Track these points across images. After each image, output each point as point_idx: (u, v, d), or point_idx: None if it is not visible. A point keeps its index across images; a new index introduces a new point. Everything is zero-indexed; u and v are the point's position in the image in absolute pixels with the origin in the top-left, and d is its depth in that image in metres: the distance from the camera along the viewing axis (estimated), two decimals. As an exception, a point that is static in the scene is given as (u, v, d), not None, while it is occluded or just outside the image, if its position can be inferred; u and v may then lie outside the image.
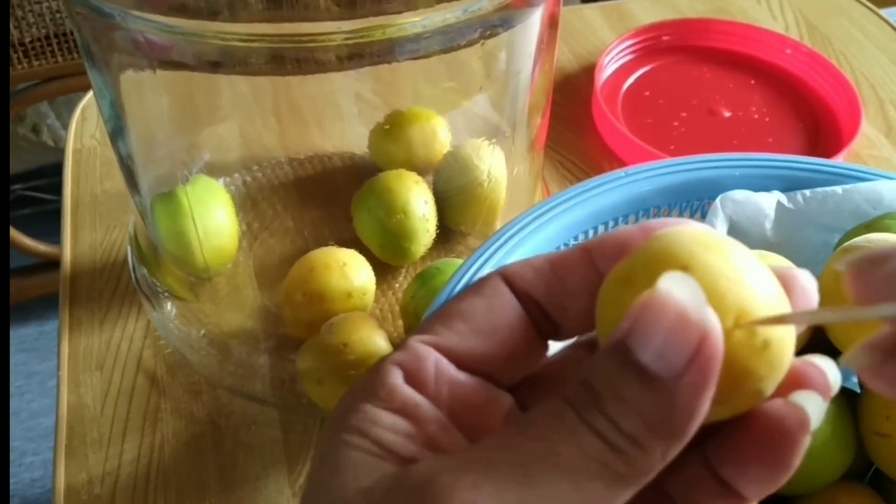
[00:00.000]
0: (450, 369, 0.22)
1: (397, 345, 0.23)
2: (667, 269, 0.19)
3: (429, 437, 0.21)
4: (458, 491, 0.18)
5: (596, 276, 0.23)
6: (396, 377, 0.22)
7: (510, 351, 0.23)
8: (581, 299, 0.23)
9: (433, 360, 0.22)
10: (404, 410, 0.21)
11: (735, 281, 0.20)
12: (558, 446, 0.18)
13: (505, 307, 0.23)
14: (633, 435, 0.18)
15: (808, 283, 0.22)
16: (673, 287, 0.18)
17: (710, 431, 0.22)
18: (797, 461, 0.20)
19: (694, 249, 0.20)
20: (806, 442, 0.20)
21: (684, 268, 0.20)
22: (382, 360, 0.22)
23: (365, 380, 0.22)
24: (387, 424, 0.21)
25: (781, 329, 0.20)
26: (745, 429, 0.21)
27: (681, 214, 0.42)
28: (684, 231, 0.21)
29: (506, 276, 0.24)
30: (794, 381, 0.21)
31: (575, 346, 0.25)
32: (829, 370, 0.21)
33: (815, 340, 0.34)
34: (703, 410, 0.19)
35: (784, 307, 0.20)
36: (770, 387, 0.20)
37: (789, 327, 0.20)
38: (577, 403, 0.19)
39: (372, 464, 0.20)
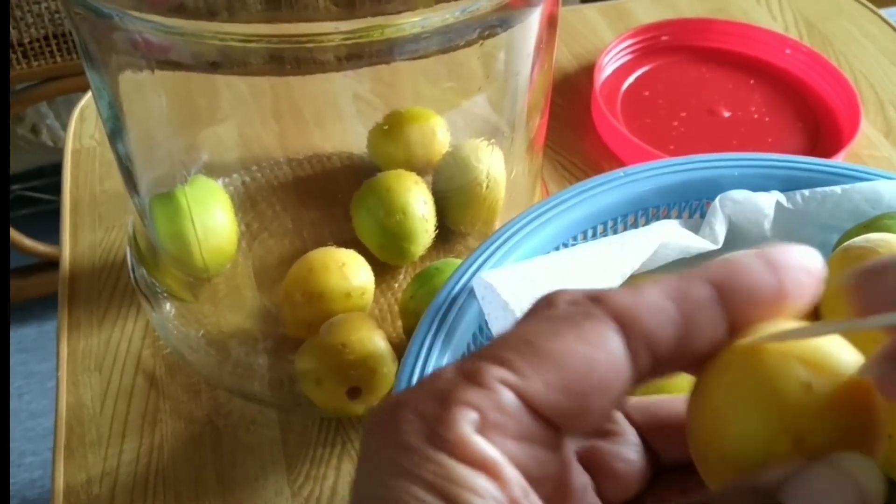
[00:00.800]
0: (529, 421, 0.19)
1: (465, 368, 0.19)
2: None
3: (513, 502, 0.18)
4: None
5: (725, 325, 0.19)
6: (468, 422, 0.18)
7: (598, 411, 0.19)
8: (708, 350, 0.19)
9: (517, 413, 0.18)
10: (483, 467, 0.18)
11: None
12: None
13: (608, 364, 0.19)
14: None
15: (810, 263, 0.20)
16: (861, 471, 0.17)
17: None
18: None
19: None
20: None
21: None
22: (452, 396, 0.18)
23: (425, 412, 0.18)
24: (469, 485, 0.17)
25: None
26: None
27: (680, 214, 0.42)
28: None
29: (620, 318, 0.19)
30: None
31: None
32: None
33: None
34: None
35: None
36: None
37: None
38: None
39: None
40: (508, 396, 0.18)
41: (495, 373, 0.18)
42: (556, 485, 0.20)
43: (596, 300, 0.19)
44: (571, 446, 0.21)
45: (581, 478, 0.22)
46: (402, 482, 0.17)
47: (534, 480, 0.19)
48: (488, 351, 0.19)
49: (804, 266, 0.20)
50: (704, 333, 0.19)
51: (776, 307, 0.19)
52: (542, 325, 0.19)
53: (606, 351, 0.19)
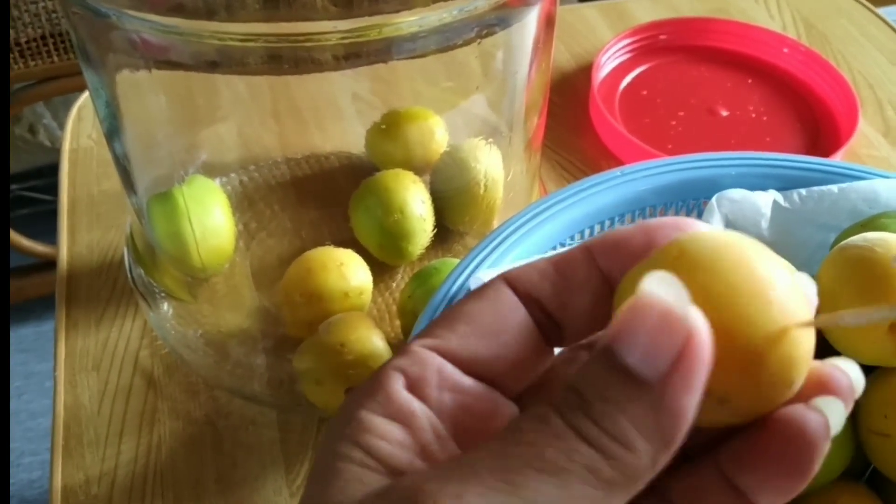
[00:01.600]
0: (454, 375, 0.22)
1: (399, 349, 0.23)
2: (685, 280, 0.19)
3: (423, 447, 0.21)
4: (442, 499, 0.18)
5: (598, 275, 0.23)
6: (396, 383, 0.21)
7: (515, 355, 0.23)
8: (584, 299, 0.23)
9: (436, 366, 0.22)
10: (399, 417, 0.21)
11: (749, 294, 0.19)
12: (544, 451, 0.18)
13: (509, 311, 0.23)
14: (620, 438, 0.18)
15: (853, 374, 0.21)
16: (656, 288, 0.18)
17: (723, 438, 0.21)
18: (816, 468, 0.20)
19: (711, 258, 0.20)
20: (826, 449, 0.20)
21: (707, 284, 0.19)
22: (384, 366, 0.22)
23: (365, 386, 0.22)
24: (380, 432, 0.20)
25: (796, 331, 0.20)
26: (762, 435, 0.20)
27: (677, 213, 0.42)
28: (698, 241, 0.21)
29: (509, 279, 0.23)
30: (817, 385, 0.21)
31: (575, 349, 0.25)
32: (852, 373, 0.21)
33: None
34: (691, 413, 0.18)
35: (801, 309, 0.20)
36: (785, 391, 0.20)
37: (807, 331, 0.20)
38: (564, 408, 0.19)
39: (362, 476, 0.20)
40: (427, 354, 0.22)
41: (418, 342, 0.22)
42: (494, 427, 0.22)
43: (497, 275, 0.24)
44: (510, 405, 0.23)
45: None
46: (333, 442, 0.20)
47: (467, 430, 0.21)
48: (420, 331, 0.23)
49: (676, 225, 0.22)
50: (579, 285, 0.23)
51: (641, 252, 0.22)
52: (459, 301, 0.23)
53: (503, 301, 0.23)
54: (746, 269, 0.20)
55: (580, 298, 0.23)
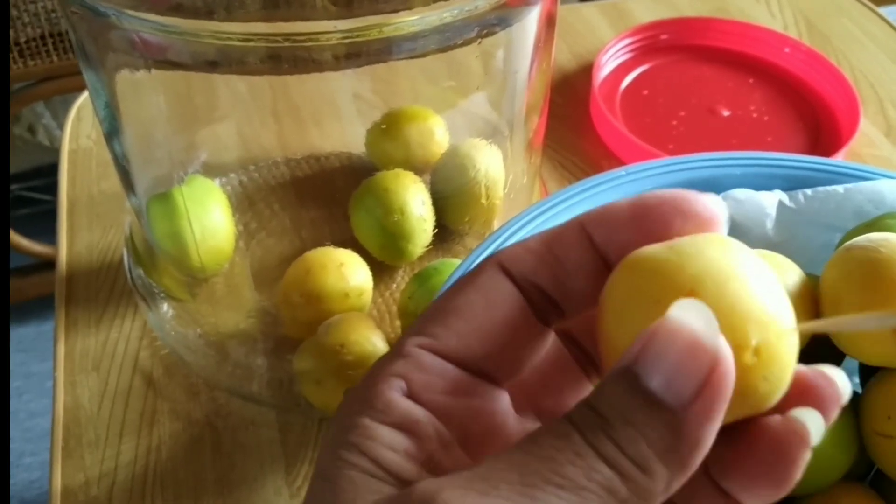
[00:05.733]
0: (454, 375, 0.22)
1: (393, 347, 0.22)
2: (677, 293, 0.19)
3: (429, 456, 0.20)
4: None
5: (592, 252, 0.23)
6: (395, 390, 0.21)
7: (512, 346, 0.22)
8: (580, 277, 0.23)
9: (436, 370, 0.21)
10: (403, 426, 0.21)
11: (748, 305, 0.19)
12: (564, 468, 0.18)
13: (503, 300, 0.22)
14: (639, 460, 0.18)
15: (703, 210, 0.22)
16: (686, 315, 0.18)
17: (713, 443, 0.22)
18: (797, 476, 0.20)
19: (705, 270, 0.20)
20: (806, 457, 0.20)
21: (692, 291, 0.20)
22: (380, 371, 0.21)
23: (362, 390, 0.21)
24: (385, 442, 0.20)
25: (776, 340, 0.20)
26: (745, 441, 0.21)
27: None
28: (698, 247, 0.21)
29: (502, 262, 0.23)
30: (802, 391, 0.21)
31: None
32: (839, 380, 0.21)
33: (817, 343, 0.34)
34: (710, 441, 0.19)
35: (786, 312, 0.20)
36: (768, 398, 0.20)
37: (787, 340, 0.20)
38: (584, 427, 0.19)
39: (370, 485, 0.19)
40: (427, 357, 0.21)
41: (413, 341, 0.22)
42: (488, 418, 0.22)
43: (488, 257, 0.23)
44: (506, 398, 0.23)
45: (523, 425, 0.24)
46: (336, 450, 0.20)
47: (472, 433, 0.21)
48: (410, 327, 0.22)
49: (675, 205, 0.22)
50: (574, 264, 0.22)
51: (640, 239, 0.22)
52: (449, 290, 0.23)
53: (496, 289, 0.22)
54: (729, 274, 0.20)
55: (576, 277, 0.23)
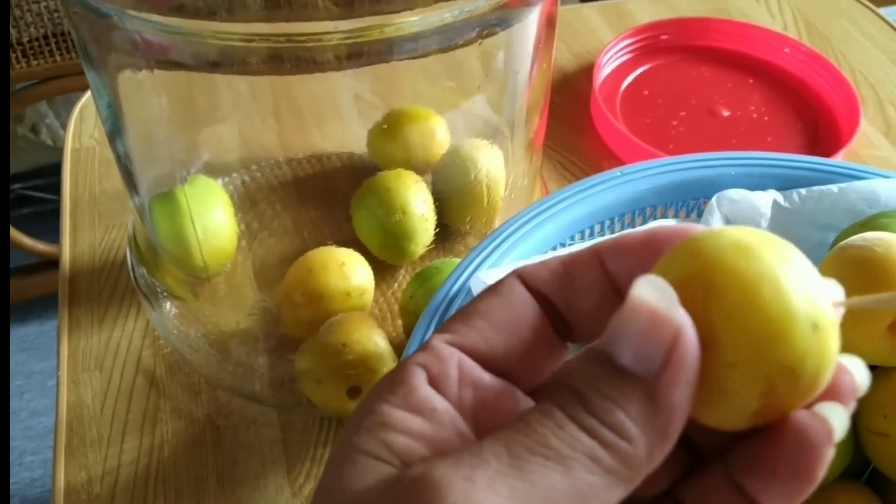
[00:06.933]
0: (474, 370, 0.22)
1: (421, 346, 0.23)
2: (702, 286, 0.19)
3: (443, 442, 0.21)
4: (452, 483, 0.18)
5: (604, 278, 0.23)
6: (418, 378, 0.21)
7: (531, 349, 0.23)
8: (591, 300, 0.23)
9: (456, 361, 0.22)
10: (421, 411, 0.21)
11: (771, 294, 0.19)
12: (548, 440, 0.19)
13: (523, 306, 0.23)
14: (617, 429, 0.19)
15: (856, 372, 0.22)
16: (644, 291, 0.19)
17: (735, 441, 0.22)
18: (821, 474, 0.20)
19: (724, 264, 0.20)
20: (830, 454, 0.20)
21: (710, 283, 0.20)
22: (405, 361, 0.22)
23: (386, 380, 0.22)
24: (399, 426, 0.21)
25: (828, 327, 0.20)
26: (769, 439, 0.21)
27: (677, 214, 0.42)
28: (715, 239, 0.21)
29: (522, 276, 0.24)
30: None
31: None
32: (857, 372, 0.21)
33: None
34: (685, 407, 0.19)
35: (828, 304, 0.20)
36: (818, 386, 0.20)
37: (835, 326, 0.20)
38: (564, 403, 0.20)
39: (375, 467, 0.20)
40: (447, 350, 0.22)
41: (438, 337, 0.23)
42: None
43: (510, 271, 0.24)
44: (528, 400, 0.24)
45: None
46: (350, 436, 0.21)
47: (488, 426, 0.21)
48: (439, 328, 0.23)
49: (686, 235, 0.22)
50: (585, 286, 0.23)
51: (647, 260, 0.23)
52: (474, 298, 0.24)
53: (515, 297, 0.23)
54: (773, 269, 0.20)
55: (586, 299, 0.23)
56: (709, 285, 0.20)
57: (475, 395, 0.22)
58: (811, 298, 0.20)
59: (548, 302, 0.24)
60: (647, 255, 0.23)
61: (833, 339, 0.20)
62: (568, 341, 0.24)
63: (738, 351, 0.19)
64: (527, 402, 0.23)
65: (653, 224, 0.41)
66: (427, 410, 0.21)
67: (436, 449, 0.21)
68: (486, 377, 0.22)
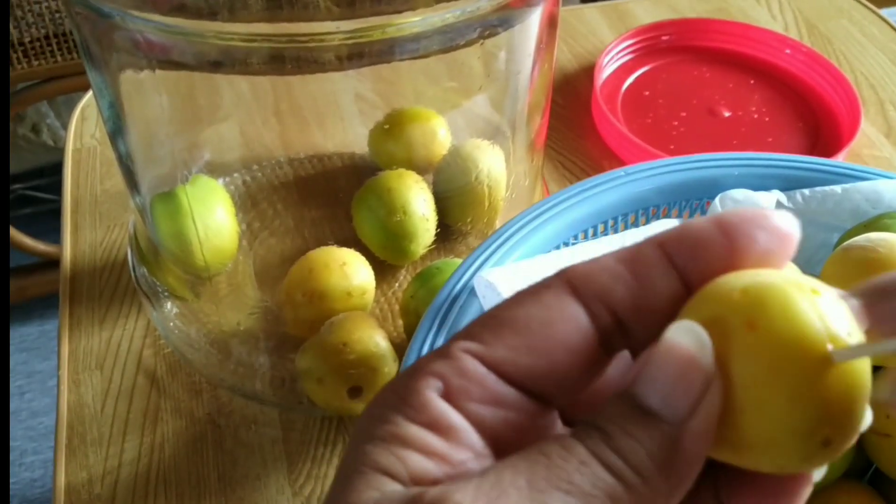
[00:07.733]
0: (497, 387, 0.20)
1: (439, 349, 0.21)
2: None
3: (458, 463, 0.20)
4: None
5: (675, 277, 0.21)
6: (432, 388, 0.20)
7: (567, 370, 0.21)
8: (661, 302, 0.21)
9: (479, 378, 0.20)
10: (437, 428, 0.20)
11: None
12: (571, 475, 0.19)
13: (566, 322, 0.21)
14: (640, 470, 0.19)
15: (782, 224, 0.21)
16: (681, 337, 0.19)
17: (723, 466, 0.22)
18: (806, 493, 0.21)
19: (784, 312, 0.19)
20: (808, 491, 0.21)
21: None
22: (420, 368, 0.20)
23: (398, 384, 0.20)
24: (415, 443, 0.19)
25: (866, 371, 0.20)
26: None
27: (680, 214, 0.42)
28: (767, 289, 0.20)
29: (574, 282, 0.21)
30: None
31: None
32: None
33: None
34: (704, 456, 0.19)
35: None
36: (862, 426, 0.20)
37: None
38: (588, 440, 0.19)
39: (387, 485, 0.19)
40: (471, 363, 0.20)
41: (461, 345, 0.20)
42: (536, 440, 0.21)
43: (557, 272, 0.21)
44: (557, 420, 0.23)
45: None
46: (364, 444, 0.20)
47: (508, 446, 0.20)
48: (462, 330, 0.21)
49: (757, 222, 0.21)
50: (656, 288, 0.21)
51: (726, 260, 0.21)
52: (509, 301, 0.21)
53: (561, 310, 0.21)
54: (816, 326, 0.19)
55: (656, 301, 0.21)
56: (732, 332, 0.19)
57: (497, 414, 0.20)
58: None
59: (607, 309, 0.21)
60: (722, 253, 0.21)
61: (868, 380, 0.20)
62: (619, 350, 0.22)
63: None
64: (553, 421, 0.22)
65: (660, 222, 0.41)
66: (444, 428, 0.20)
67: (451, 469, 0.20)
68: (511, 394, 0.20)
